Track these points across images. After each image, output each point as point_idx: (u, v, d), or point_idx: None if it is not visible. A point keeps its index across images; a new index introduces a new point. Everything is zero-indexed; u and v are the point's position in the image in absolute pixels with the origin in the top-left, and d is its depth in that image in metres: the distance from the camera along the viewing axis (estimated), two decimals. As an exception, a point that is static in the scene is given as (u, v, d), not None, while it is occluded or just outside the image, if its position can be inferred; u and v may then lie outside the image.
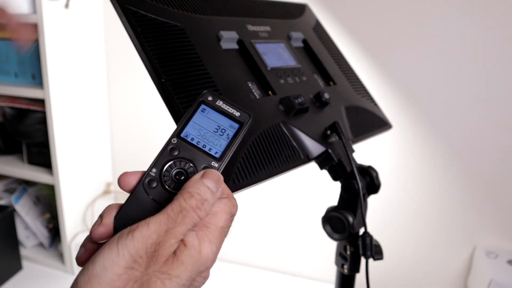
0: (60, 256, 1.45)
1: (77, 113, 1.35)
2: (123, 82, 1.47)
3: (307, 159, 0.56)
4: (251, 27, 0.65)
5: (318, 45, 0.76)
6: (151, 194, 0.35)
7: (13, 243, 1.39)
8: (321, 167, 0.60)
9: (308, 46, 0.74)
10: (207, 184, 0.34)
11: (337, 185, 0.63)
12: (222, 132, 0.38)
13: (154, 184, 0.35)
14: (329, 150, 0.58)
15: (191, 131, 0.38)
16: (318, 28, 0.82)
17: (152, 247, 0.30)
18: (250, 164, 0.48)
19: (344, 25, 1.22)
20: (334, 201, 0.65)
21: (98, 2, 1.38)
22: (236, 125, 0.39)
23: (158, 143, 1.54)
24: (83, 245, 0.34)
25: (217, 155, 0.37)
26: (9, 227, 1.37)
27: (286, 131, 0.55)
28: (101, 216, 0.34)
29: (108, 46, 1.44)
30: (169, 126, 1.41)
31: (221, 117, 0.39)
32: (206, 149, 0.37)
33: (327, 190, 1.06)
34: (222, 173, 0.37)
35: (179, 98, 0.47)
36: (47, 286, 1.36)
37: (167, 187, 0.35)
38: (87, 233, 1.41)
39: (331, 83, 0.72)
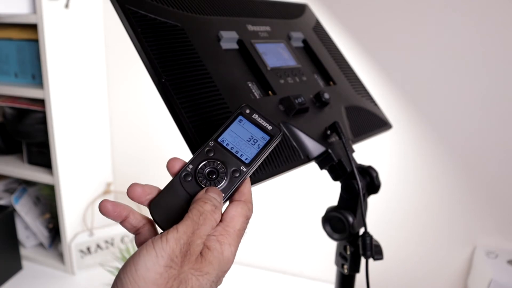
0: (60, 256, 1.45)
1: (77, 113, 1.35)
2: (123, 82, 1.47)
3: (307, 159, 0.56)
4: (251, 27, 0.65)
5: (318, 45, 0.76)
6: (185, 186, 0.41)
7: (13, 243, 1.39)
8: (321, 167, 0.60)
9: (308, 46, 0.74)
10: (212, 196, 0.39)
11: (337, 185, 0.63)
12: (254, 141, 0.43)
13: (189, 178, 0.41)
14: (329, 150, 0.58)
15: (227, 138, 0.43)
16: (318, 28, 0.82)
17: (185, 247, 0.35)
18: (250, 164, 0.48)
19: (344, 25, 1.22)
20: (334, 201, 0.65)
21: (98, 2, 1.38)
22: (267, 137, 0.43)
23: (158, 143, 1.54)
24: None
25: (246, 161, 0.42)
26: (9, 227, 1.37)
27: (286, 131, 0.55)
28: (145, 184, 0.40)
29: (108, 46, 1.44)
30: (169, 126, 1.41)
31: (255, 129, 0.44)
32: (238, 155, 0.42)
33: (327, 190, 1.06)
34: (250, 177, 0.43)
35: (179, 98, 0.47)
36: (47, 286, 1.36)
37: (199, 182, 0.41)
38: (87, 233, 1.41)
39: (331, 83, 0.72)
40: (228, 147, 0.42)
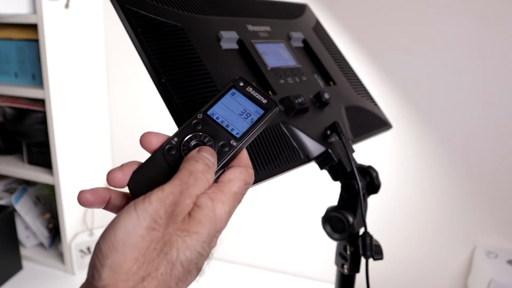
0: (60, 256, 1.45)
1: (77, 113, 1.35)
2: (123, 82, 1.47)
3: (307, 159, 0.56)
4: (251, 27, 0.65)
5: (318, 45, 0.76)
6: (168, 159, 0.38)
7: (13, 243, 1.39)
8: (321, 167, 0.60)
9: (308, 46, 0.74)
10: (205, 155, 0.36)
11: (337, 185, 0.63)
12: (247, 115, 0.40)
13: (173, 152, 0.38)
14: (329, 150, 0.58)
15: (218, 111, 0.40)
16: (318, 28, 0.82)
17: (170, 207, 0.32)
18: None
19: (344, 25, 1.22)
20: (334, 201, 0.65)
21: (98, 2, 1.38)
22: (261, 111, 0.40)
23: (158, 143, 1.53)
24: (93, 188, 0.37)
25: (237, 135, 0.39)
26: (9, 227, 1.37)
27: (286, 131, 0.55)
28: (122, 165, 0.37)
29: (108, 46, 1.44)
30: (170, 126, 1.41)
31: (249, 102, 0.41)
32: (229, 129, 0.39)
33: (327, 190, 1.06)
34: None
35: (179, 98, 0.47)
36: (47, 286, 1.36)
37: (184, 155, 0.37)
38: (87, 233, 1.41)
39: (331, 83, 0.72)
40: (218, 121, 0.40)
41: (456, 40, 1.14)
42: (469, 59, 1.15)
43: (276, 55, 0.65)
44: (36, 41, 1.23)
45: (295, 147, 0.55)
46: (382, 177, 0.67)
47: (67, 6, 1.24)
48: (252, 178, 0.38)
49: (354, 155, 0.63)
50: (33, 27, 1.21)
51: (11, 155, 1.50)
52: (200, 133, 0.39)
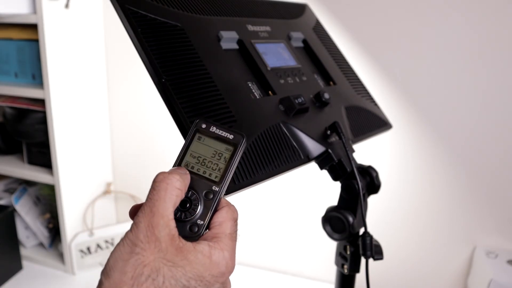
0: (60, 256, 1.45)
1: (77, 113, 1.35)
2: (123, 82, 1.47)
3: (307, 159, 0.56)
4: (251, 27, 0.65)
5: (318, 45, 0.77)
6: None
7: (13, 243, 1.39)
8: (321, 167, 0.60)
9: (308, 46, 0.74)
10: (170, 170, 0.38)
11: (337, 185, 0.63)
12: (219, 156, 0.40)
13: None
14: (329, 150, 0.58)
15: (190, 160, 0.40)
16: (318, 28, 0.82)
17: (148, 231, 0.34)
18: (250, 164, 0.49)
19: (344, 25, 1.22)
20: (334, 201, 0.65)
21: (98, 2, 1.38)
22: (231, 148, 0.40)
23: (158, 143, 1.54)
24: None
25: (216, 179, 0.39)
26: (9, 227, 1.37)
27: (286, 131, 0.55)
28: None
29: (108, 46, 1.44)
30: (170, 126, 1.41)
31: (216, 143, 0.40)
32: (206, 175, 0.39)
33: (327, 190, 1.06)
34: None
35: (179, 98, 0.47)
36: (47, 286, 1.36)
37: (175, 216, 0.37)
38: (87, 233, 1.41)
39: (331, 83, 0.72)
40: (194, 170, 0.39)
41: (456, 40, 1.14)
42: (469, 59, 1.15)
43: (276, 55, 0.65)
44: (36, 41, 1.23)
45: (295, 147, 0.55)
46: (382, 177, 0.67)
47: (67, 6, 1.24)
48: (237, 214, 0.40)
49: (354, 155, 0.63)
50: (33, 27, 1.21)
51: (11, 155, 1.50)
52: None
